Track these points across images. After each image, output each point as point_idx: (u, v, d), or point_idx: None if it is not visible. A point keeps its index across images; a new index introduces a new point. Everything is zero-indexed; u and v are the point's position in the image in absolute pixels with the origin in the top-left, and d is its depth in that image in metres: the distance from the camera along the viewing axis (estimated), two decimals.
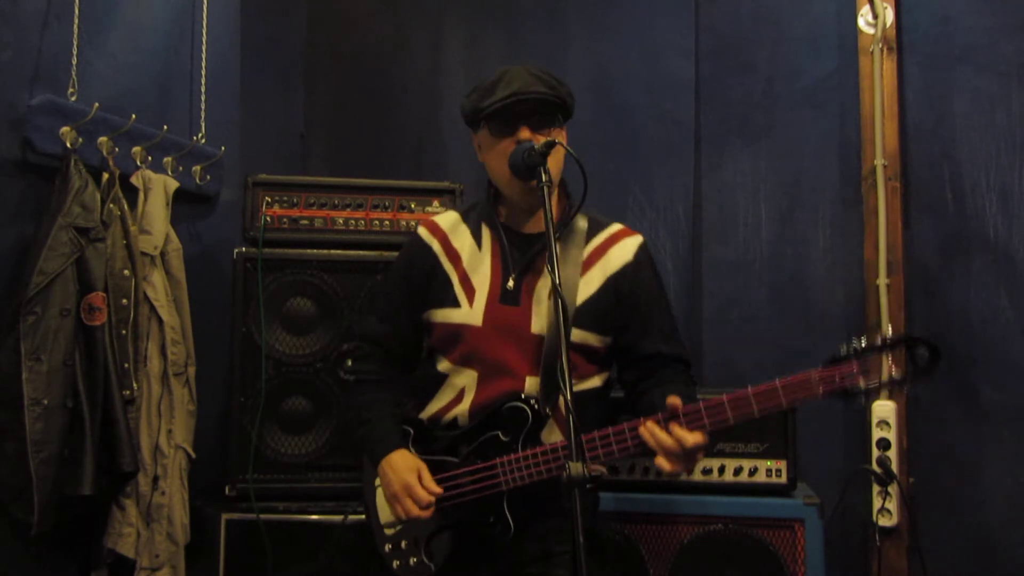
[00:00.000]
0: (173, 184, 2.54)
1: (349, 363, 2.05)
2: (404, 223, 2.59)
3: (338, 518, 2.38)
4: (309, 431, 2.51)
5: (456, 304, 1.85)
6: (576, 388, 1.78)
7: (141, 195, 2.43)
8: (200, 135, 2.79)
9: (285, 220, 2.57)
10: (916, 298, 2.87)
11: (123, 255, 2.31)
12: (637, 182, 3.18)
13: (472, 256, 1.88)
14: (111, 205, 2.29)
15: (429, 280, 1.90)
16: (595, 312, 1.83)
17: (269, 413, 2.47)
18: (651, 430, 1.64)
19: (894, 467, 2.71)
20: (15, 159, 2.13)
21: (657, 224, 3.17)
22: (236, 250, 2.51)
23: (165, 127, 2.52)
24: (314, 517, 2.41)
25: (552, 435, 1.79)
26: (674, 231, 3.15)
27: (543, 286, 1.82)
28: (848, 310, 2.96)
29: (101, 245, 2.22)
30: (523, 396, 1.78)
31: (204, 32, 2.81)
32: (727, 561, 2.29)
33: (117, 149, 2.36)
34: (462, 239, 1.92)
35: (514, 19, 3.39)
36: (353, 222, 2.59)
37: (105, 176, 2.30)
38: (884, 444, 2.74)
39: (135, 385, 2.33)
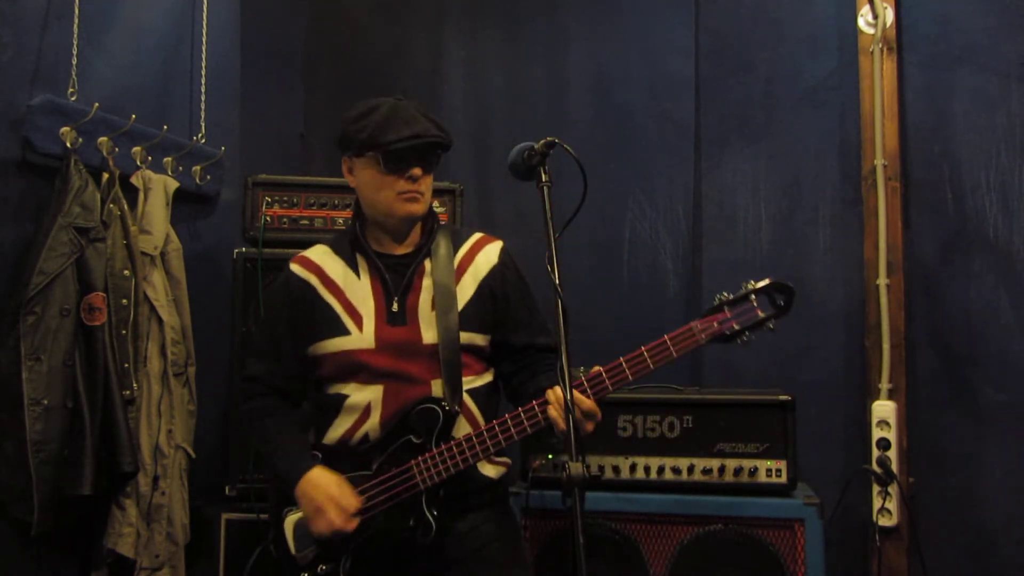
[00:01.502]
0: (173, 184, 2.54)
1: (241, 403, 2.03)
2: None
3: None
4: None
5: (346, 332, 1.89)
6: (473, 385, 1.91)
7: (141, 195, 2.43)
8: (200, 135, 2.80)
9: (285, 220, 2.57)
10: (916, 298, 2.87)
11: (123, 255, 2.31)
12: (637, 182, 3.18)
13: (351, 285, 1.93)
14: (111, 205, 2.29)
15: (311, 314, 1.92)
16: (475, 313, 1.92)
17: None
18: (555, 393, 1.72)
19: (894, 467, 2.71)
20: (15, 159, 2.13)
21: (657, 224, 3.17)
22: (236, 250, 2.51)
23: (165, 127, 2.52)
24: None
25: (461, 431, 1.86)
26: (674, 231, 3.15)
27: (424, 302, 1.91)
28: (848, 310, 2.96)
29: (101, 245, 2.22)
30: (430, 398, 1.84)
31: (204, 32, 2.82)
32: (727, 561, 2.29)
33: (117, 149, 2.36)
34: (337, 269, 1.96)
35: (514, 19, 3.39)
36: None
37: (105, 176, 2.31)
38: (884, 444, 2.74)
39: (135, 385, 2.33)
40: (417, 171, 1.88)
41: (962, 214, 2.85)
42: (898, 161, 2.87)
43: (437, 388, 1.86)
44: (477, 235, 2.04)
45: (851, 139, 2.98)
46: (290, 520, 1.88)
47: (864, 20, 2.93)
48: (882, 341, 2.80)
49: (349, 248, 1.97)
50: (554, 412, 1.71)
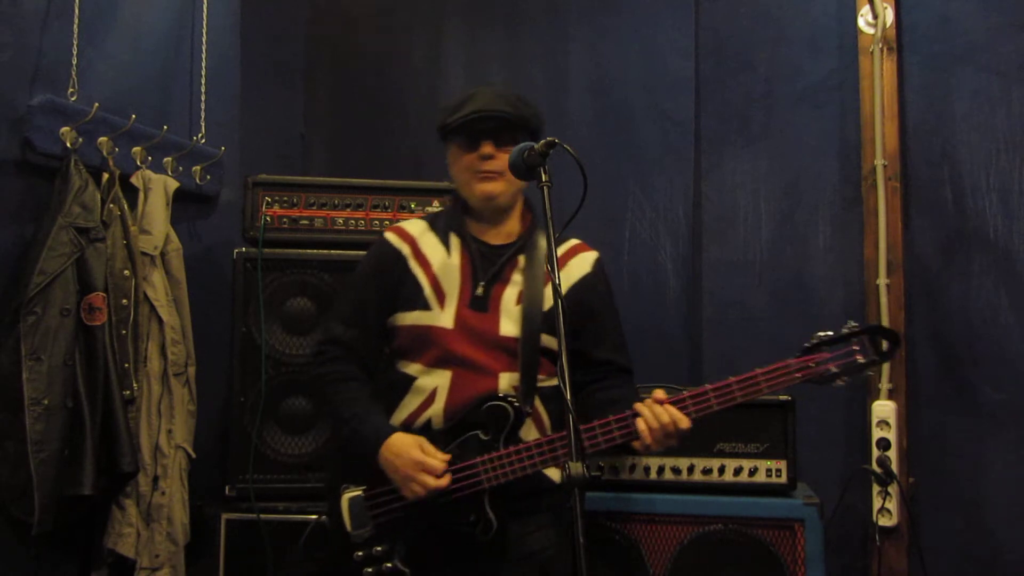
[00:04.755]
0: (173, 184, 2.54)
1: (317, 367, 2.00)
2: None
3: None
4: (309, 431, 2.51)
5: (427, 307, 1.89)
6: (545, 384, 1.89)
7: (141, 195, 2.44)
8: (200, 135, 2.80)
9: (285, 220, 2.57)
10: (916, 298, 2.87)
11: (123, 255, 2.31)
12: (637, 182, 3.18)
13: (442, 263, 1.93)
14: (111, 205, 2.29)
15: (398, 284, 1.93)
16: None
17: (269, 413, 2.47)
18: (649, 406, 1.73)
19: (894, 467, 2.71)
20: (15, 159, 2.13)
21: (657, 224, 3.17)
22: (236, 250, 2.51)
23: (165, 127, 2.52)
24: (314, 517, 2.40)
25: (530, 433, 1.85)
26: (674, 231, 3.15)
27: (510, 294, 1.90)
28: (848, 310, 2.95)
29: (101, 245, 2.22)
30: (503, 395, 1.82)
31: (204, 32, 2.82)
32: (727, 561, 2.29)
33: (117, 149, 2.36)
34: (431, 246, 1.96)
35: (514, 19, 3.39)
36: (353, 222, 2.59)
37: (105, 176, 2.31)
38: (884, 444, 2.74)
39: (135, 385, 2.33)
40: (487, 148, 1.87)
41: (962, 214, 2.85)
42: (898, 161, 2.87)
43: (504, 382, 1.84)
44: (574, 241, 2.04)
45: (851, 139, 2.98)
46: (347, 497, 1.86)
47: (864, 20, 2.93)
48: None
49: (445, 227, 1.97)
50: (643, 426, 1.71)
